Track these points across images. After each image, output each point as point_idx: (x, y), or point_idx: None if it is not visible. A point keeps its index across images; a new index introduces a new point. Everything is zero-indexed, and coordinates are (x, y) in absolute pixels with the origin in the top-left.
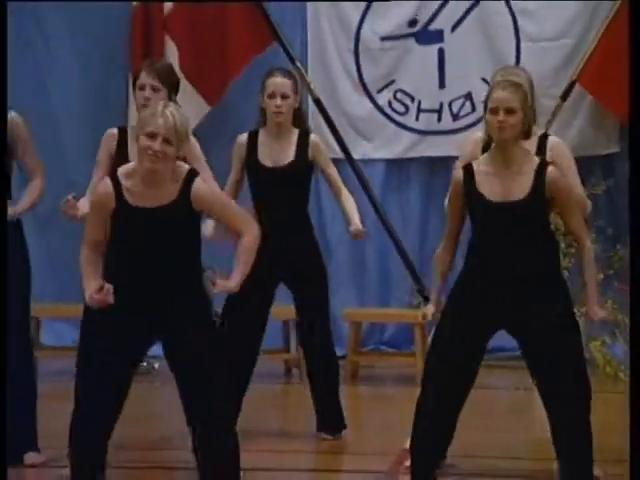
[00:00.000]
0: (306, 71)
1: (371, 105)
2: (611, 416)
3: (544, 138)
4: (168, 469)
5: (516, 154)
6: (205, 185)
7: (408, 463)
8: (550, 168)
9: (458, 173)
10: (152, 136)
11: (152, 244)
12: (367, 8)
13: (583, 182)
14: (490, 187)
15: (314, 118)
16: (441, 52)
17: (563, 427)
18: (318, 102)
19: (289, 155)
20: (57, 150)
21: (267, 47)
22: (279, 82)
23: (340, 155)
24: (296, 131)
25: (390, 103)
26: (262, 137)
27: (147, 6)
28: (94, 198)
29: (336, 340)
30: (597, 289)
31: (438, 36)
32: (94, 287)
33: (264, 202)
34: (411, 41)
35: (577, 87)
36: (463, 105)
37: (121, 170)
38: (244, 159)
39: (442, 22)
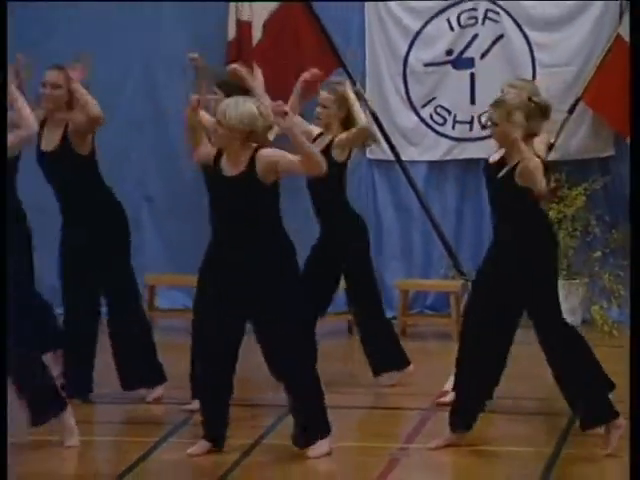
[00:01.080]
0: (365, 91)
1: (416, 118)
2: (607, 364)
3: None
4: (252, 406)
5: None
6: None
7: (445, 399)
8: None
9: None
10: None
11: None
12: (413, 40)
13: (585, 179)
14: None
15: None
16: (472, 75)
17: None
18: (374, 115)
19: None
20: (166, 149)
21: (334, 71)
22: (321, 95)
23: (391, 157)
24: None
25: (431, 116)
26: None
27: (240, 41)
28: None
29: (388, 304)
30: None
31: (470, 63)
32: None
33: None
34: (448, 67)
35: (581, 104)
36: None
37: None
38: None
39: (473, 52)
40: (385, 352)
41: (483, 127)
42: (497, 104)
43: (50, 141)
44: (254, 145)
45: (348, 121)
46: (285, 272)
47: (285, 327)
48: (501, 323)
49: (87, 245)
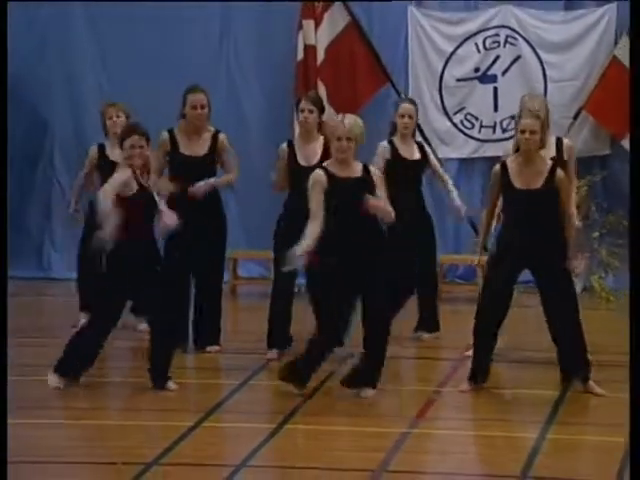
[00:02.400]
0: None
1: (449, 123)
2: (605, 323)
3: (559, 141)
4: None
5: (535, 158)
6: None
7: (470, 353)
8: (558, 170)
9: (496, 168)
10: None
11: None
12: (447, 60)
13: (587, 173)
14: (517, 177)
15: None
16: (495, 89)
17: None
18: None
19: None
20: (245, 149)
21: (384, 86)
22: (407, 107)
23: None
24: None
25: (462, 122)
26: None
27: (307, 62)
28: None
29: None
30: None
31: (493, 78)
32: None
33: None
34: (475, 82)
35: (583, 112)
36: (510, 123)
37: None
38: None
39: (496, 69)
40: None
41: (504, 130)
42: (537, 116)
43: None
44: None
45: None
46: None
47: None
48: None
49: None
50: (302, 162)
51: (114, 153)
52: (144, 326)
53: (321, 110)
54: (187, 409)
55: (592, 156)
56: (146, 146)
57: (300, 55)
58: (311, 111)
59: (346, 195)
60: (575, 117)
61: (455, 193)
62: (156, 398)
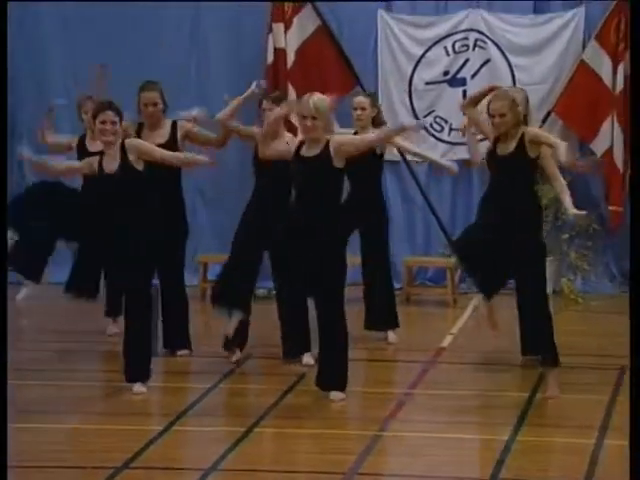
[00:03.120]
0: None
1: None
2: (572, 325)
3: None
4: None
5: (511, 140)
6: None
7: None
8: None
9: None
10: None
11: None
12: (417, 64)
13: None
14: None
15: None
16: (464, 92)
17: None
18: (385, 124)
19: None
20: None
21: (354, 88)
22: (359, 100)
23: (398, 158)
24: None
25: (431, 124)
26: None
27: (276, 65)
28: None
29: (396, 277)
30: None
31: (462, 82)
32: None
33: None
34: (445, 85)
35: (552, 115)
36: None
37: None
38: None
39: (465, 73)
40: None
41: (473, 134)
42: (505, 97)
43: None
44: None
45: (377, 120)
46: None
47: None
48: None
49: None
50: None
51: (93, 145)
52: (115, 330)
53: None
54: (157, 413)
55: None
56: (119, 122)
57: (270, 58)
58: (272, 110)
59: (302, 175)
60: (544, 120)
61: (436, 157)
62: (125, 402)
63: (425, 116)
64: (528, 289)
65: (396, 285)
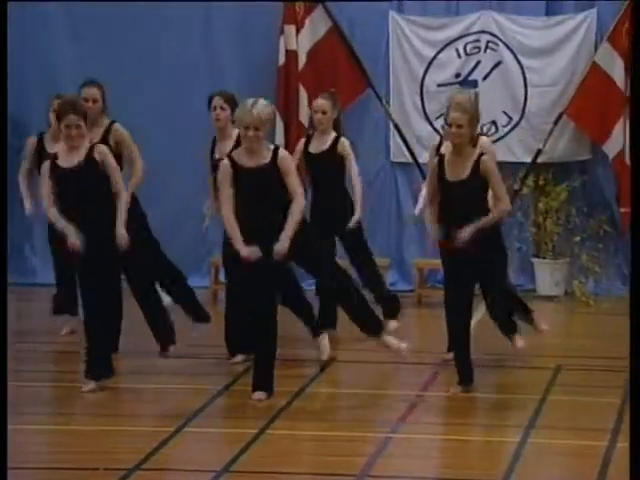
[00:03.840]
0: (389, 106)
1: (430, 128)
2: (585, 327)
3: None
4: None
5: (464, 151)
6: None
7: (448, 356)
8: (483, 157)
9: (434, 162)
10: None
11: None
12: (428, 65)
13: (567, 178)
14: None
15: (394, 137)
16: (476, 94)
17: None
18: (396, 126)
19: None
20: None
21: (366, 90)
22: (319, 102)
23: (410, 160)
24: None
25: (443, 127)
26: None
27: (288, 67)
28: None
29: (408, 280)
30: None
31: (474, 84)
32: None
33: None
34: (456, 87)
35: (564, 117)
36: (490, 128)
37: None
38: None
39: (477, 75)
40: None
41: (485, 135)
42: (465, 110)
43: None
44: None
45: (337, 123)
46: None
47: None
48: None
49: None
50: (217, 157)
51: (54, 146)
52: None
53: (233, 108)
54: (168, 414)
55: (573, 161)
56: (84, 125)
57: (281, 60)
58: (223, 108)
59: (249, 185)
60: (556, 122)
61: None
62: (137, 403)
63: (437, 118)
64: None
65: (407, 287)
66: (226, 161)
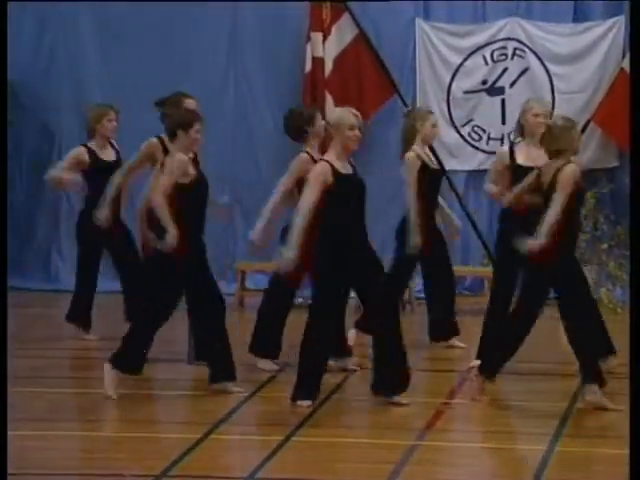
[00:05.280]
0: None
1: (457, 135)
2: (612, 335)
3: None
4: None
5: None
6: None
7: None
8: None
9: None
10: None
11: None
12: (455, 72)
13: (595, 185)
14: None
15: None
16: (503, 101)
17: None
18: None
19: None
20: (254, 162)
21: (392, 97)
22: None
23: (437, 167)
24: None
25: (469, 134)
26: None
27: (314, 73)
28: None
29: None
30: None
31: (501, 91)
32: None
33: None
34: (483, 94)
35: (591, 124)
36: (517, 135)
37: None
38: None
39: (504, 81)
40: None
41: (512, 142)
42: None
43: None
44: None
45: None
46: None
47: None
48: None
49: None
50: None
51: (105, 154)
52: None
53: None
54: (194, 421)
55: (600, 168)
56: None
57: (308, 67)
58: None
59: (356, 194)
60: (583, 129)
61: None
62: (161, 409)
63: (463, 125)
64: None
65: None
66: (325, 164)
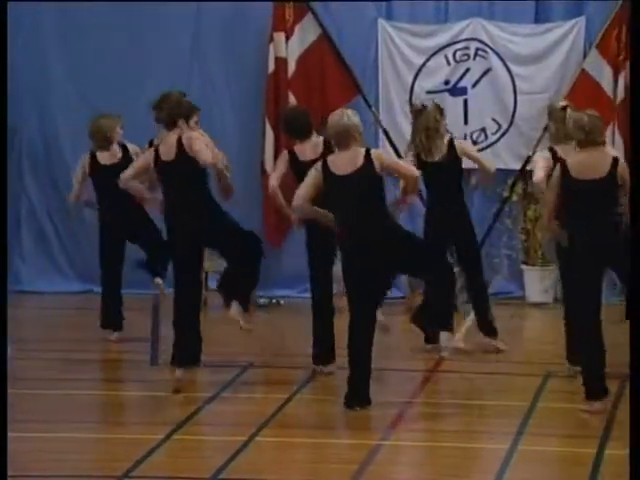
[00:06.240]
0: (378, 113)
1: None
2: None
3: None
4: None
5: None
6: None
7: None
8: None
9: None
10: None
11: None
12: (417, 73)
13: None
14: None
15: (383, 143)
16: (465, 101)
17: None
18: (386, 132)
19: None
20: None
21: (355, 97)
22: None
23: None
24: None
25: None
26: None
27: (277, 74)
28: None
29: (399, 286)
30: None
31: (463, 91)
32: None
33: None
34: (446, 94)
35: None
36: (479, 135)
37: None
38: None
39: (466, 82)
40: None
41: (474, 143)
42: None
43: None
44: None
45: None
46: None
47: None
48: None
49: None
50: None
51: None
52: (115, 335)
53: None
54: (158, 422)
55: None
56: None
57: (271, 67)
58: None
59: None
60: (545, 129)
61: None
62: (126, 411)
63: None
64: None
65: (398, 294)
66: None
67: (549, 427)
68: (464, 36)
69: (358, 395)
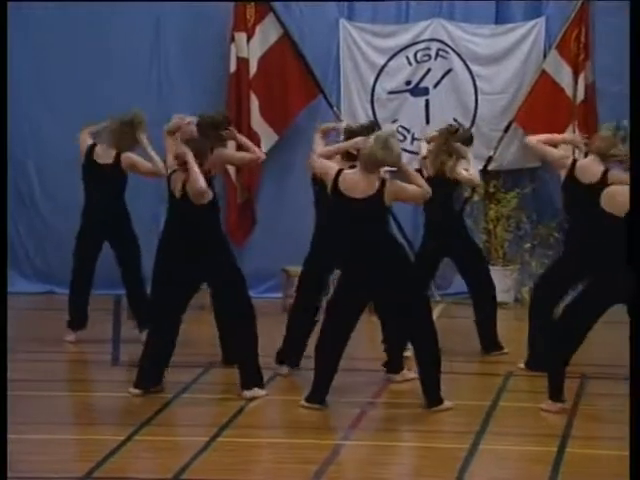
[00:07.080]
0: (340, 113)
1: None
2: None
3: None
4: None
5: None
6: None
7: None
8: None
9: None
10: None
11: None
12: (379, 73)
13: (517, 185)
14: None
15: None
16: (427, 101)
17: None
18: None
19: None
20: None
21: (317, 97)
22: None
23: None
24: None
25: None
26: None
27: (239, 74)
28: None
29: None
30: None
31: (425, 91)
32: None
33: None
34: (407, 94)
35: (513, 124)
36: None
37: None
38: None
39: (427, 82)
40: None
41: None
42: None
43: None
44: None
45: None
46: None
47: None
48: None
49: None
50: None
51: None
52: (73, 337)
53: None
54: (119, 422)
55: (523, 168)
56: None
57: (232, 67)
58: None
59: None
60: (506, 129)
61: None
62: (86, 412)
63: None
64: None
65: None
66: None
67: (510, 426)
68: (425, 36)
69: (319, 394)
